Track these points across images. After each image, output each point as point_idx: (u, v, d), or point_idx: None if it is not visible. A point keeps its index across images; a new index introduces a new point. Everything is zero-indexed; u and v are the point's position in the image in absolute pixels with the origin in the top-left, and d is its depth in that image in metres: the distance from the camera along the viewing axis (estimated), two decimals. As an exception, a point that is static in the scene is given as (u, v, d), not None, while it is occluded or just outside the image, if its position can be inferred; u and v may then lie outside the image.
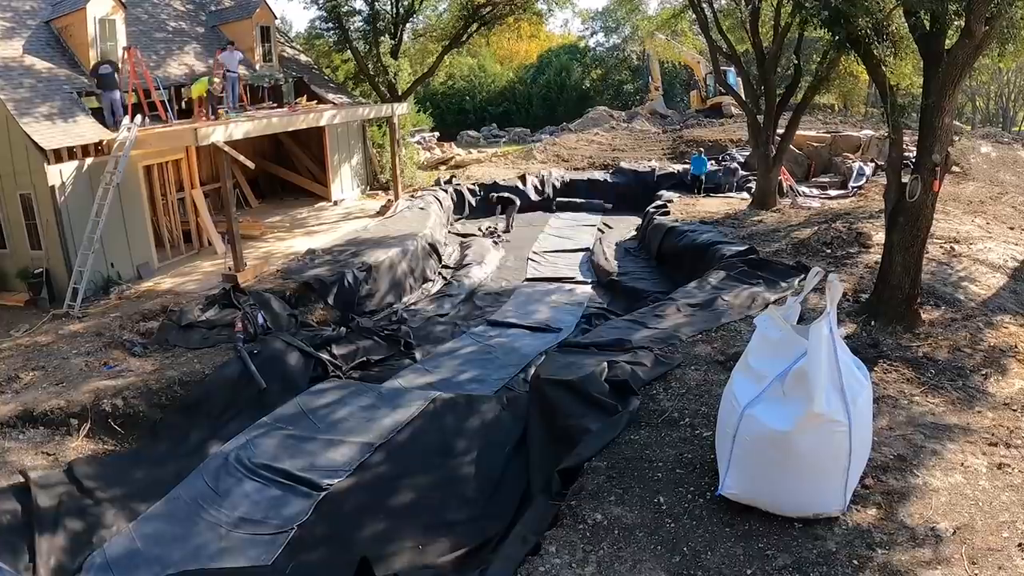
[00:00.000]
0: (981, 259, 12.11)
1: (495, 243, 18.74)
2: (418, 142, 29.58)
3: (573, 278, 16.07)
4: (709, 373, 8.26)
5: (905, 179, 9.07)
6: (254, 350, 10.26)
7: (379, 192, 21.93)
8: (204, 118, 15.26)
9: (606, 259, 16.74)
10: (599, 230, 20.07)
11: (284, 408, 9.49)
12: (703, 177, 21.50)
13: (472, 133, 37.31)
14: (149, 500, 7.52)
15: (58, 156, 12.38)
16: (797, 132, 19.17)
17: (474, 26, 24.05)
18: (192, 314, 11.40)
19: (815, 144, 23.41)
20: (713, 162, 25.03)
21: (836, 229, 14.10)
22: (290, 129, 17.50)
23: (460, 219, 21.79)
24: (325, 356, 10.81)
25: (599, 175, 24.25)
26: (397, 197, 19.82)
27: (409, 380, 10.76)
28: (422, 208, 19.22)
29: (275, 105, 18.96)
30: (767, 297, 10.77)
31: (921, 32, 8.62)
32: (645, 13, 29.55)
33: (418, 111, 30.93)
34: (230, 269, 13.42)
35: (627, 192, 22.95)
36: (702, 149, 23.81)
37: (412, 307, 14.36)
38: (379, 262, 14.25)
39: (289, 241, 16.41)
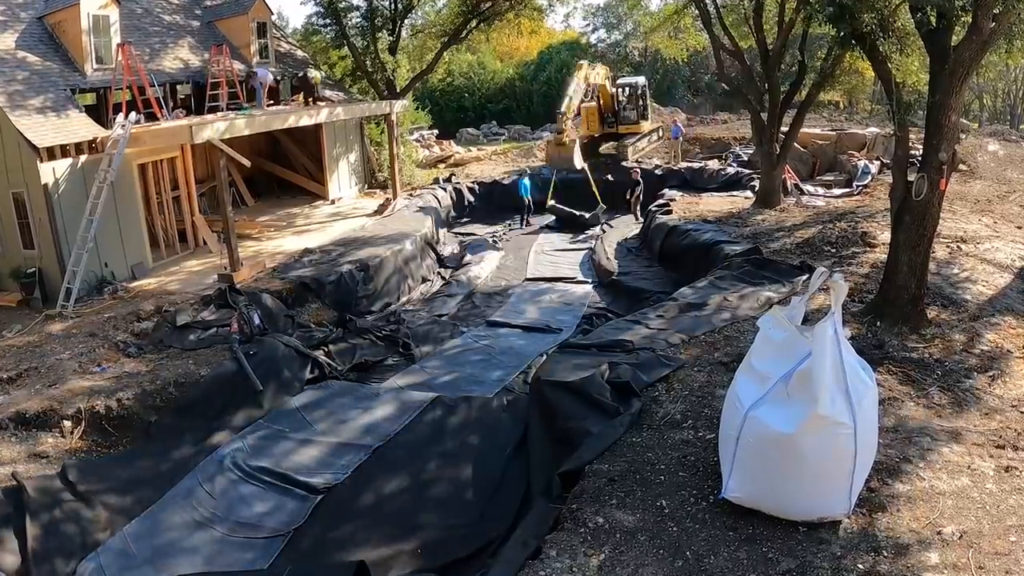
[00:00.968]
0: (988, 259, 12.11)
1: (495, 242, 18.74)
2: (417, 140, 29.58)
3: (574, 278, 16.07)
4: (712, 374, 8.25)
5: (911, 177, 9.06)
6: (250, 351, 10.26)
7: (377, 191, 21.94)
8: None
9: (607, 258, 16.74)
10: (601, 229, 20.06)
11: (280, 410, 9.49)
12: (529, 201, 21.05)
13: (472, 131, 37.31)
14: (143, 503, 7.51)
15: (51, 154, 12.38)
16: (801, 130, 19.17)
17: (474, 22, 24.04)
18: (187, 314, 11.41)
19: (820, 142, 23.41)
20: (717, 160, 25.05)
21: (841, 228, 14.11)
22: (286, 127, 17.52)
23: (460, 218, 21.79)
24: (322, 357, 10.81)
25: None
26: (395, 196, 19.82)
27: (407, 381, 10.77)
28: (421, 207, 19.22)
29: (271, 103, 18.97)
30: (771, 297, 10.76)
31: (927, 28, 8.61)
32: (647, 9, 29.60)
33: (417, 108, 30.92)
34: (226, 269, 13.42)
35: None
36: (527, 170, 22.38)
37: (410, 307, 14.36)
38: (377, 262, 14.25)
39: (286, 240, 16.41)
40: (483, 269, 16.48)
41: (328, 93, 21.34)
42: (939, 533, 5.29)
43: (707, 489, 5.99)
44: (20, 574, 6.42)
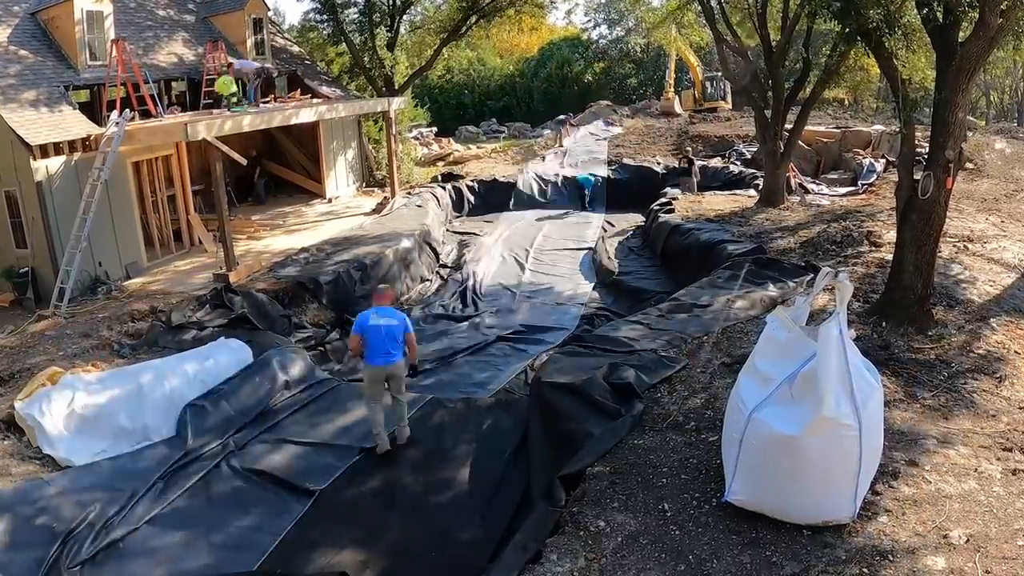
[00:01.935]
0: (995, 258, 12.10)
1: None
2: (415, 138, 29.59)
3: (574, 278, 16.07)
4: (715, 375, 8.25)
5: (917, 176, 9.05)
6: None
7: (375, 189, 21.94)
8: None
9: (608, 258, 16.74)
10: (602, 228, 20.07)
11: (276, 410, 9.47)
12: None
13: (471, 128, 37.34)
14: (137, 507, 7.49)
15: (44, 152, 12.38)
16: (806, 127, 19.15)
17: (473, 18, 24.06)
18: (182, 314, 11.41)
19: (824, 140, 23.40)
20: (720, 158, 25.06)
21: (845, 227, 14.10)
22: (283, 124, 17.51)
23: (459, 217, 21.80)
24: (318, 357, 10.80)
25: (602, 171, 24.24)
26: (394, 194, 19.82)
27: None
28: (419, 206, 19.23)
29: (268, 100, 18.97)
30: (775, 297, 10.76)
31: (934, 24, 8.60)
32: (649, 4, 29.59)
33: (415, 106, 30.95)
34: (221, 268, 13.42)
35: (630, 189, 22.96)
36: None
37: (408, 306, 14.35)
38: (375, 261, 14.25)
39: (283, 239, 16.42)
40: (482, 269, 16.48)
41: (325, 90, 21.34)
42: (945, 537, 5.29)
43: (710, 492, 5.99)
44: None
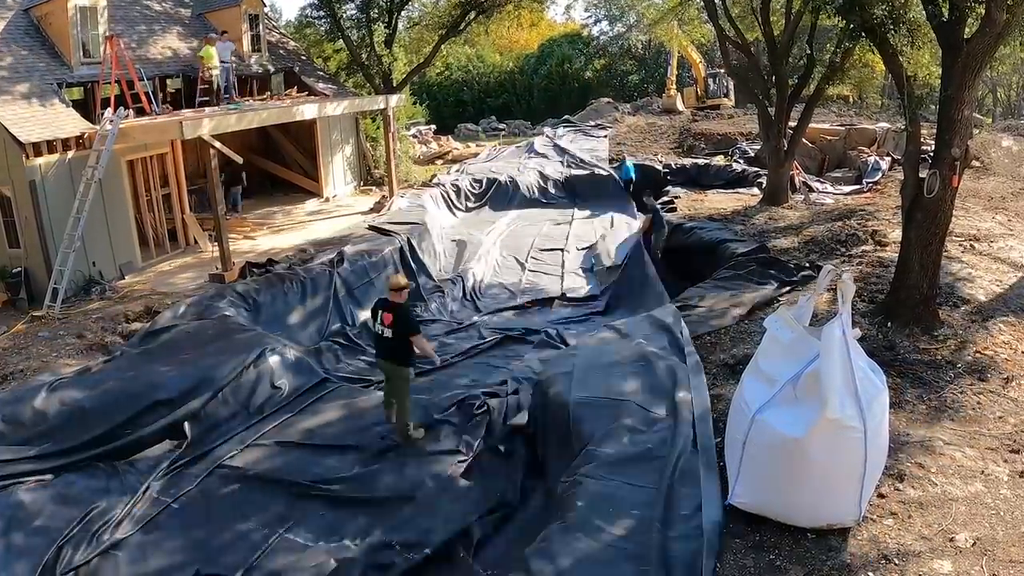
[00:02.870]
0: (1002, 257, 12.10)
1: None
2: (414, 135, 29.58)
3: (575, 275, 16.05)
4: (718, 376, 8.25)
5: (923, 174, 9.06)
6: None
7: (373, 188, 21.93)
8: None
9: (609, 257, 16.72)
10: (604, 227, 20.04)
11: (274, 411, 9.45)
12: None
13: (470, 126, 37.33)
14: (130, 512, 7.47)
15: (37, 150, 12.36)
16: (810, 125, 19.16)
17: (472, 14, 24.04)
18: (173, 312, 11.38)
19: (828, 137, 23.41)
20: (722, 156, 25.06)
21: (850, 226, 14.10)
22: (280, 122, 17.50)
23: (458, 215, 21.77)
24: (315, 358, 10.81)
25: (602, 170, 24.21)
26: (392, 193, 19.81)
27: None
28: (418, 205, 19.21)
29: (263, 97, 18.98)
30: (778, 297, 10.76)
31: (939, 20, 8.61)
32: (651, 0, 29.60)
33: (414, 103, 31.01)
34: (217, 268, 13.42)
35: (632, 187, 22.93)
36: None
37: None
38: (373, 260, 14.24)
39: (279, 238, 16.42)
40: (481, 269, 16.46)
41: (322, 86, 21.34)
42: (952, 540, 5.29)
43: (713, 495, 5.98)
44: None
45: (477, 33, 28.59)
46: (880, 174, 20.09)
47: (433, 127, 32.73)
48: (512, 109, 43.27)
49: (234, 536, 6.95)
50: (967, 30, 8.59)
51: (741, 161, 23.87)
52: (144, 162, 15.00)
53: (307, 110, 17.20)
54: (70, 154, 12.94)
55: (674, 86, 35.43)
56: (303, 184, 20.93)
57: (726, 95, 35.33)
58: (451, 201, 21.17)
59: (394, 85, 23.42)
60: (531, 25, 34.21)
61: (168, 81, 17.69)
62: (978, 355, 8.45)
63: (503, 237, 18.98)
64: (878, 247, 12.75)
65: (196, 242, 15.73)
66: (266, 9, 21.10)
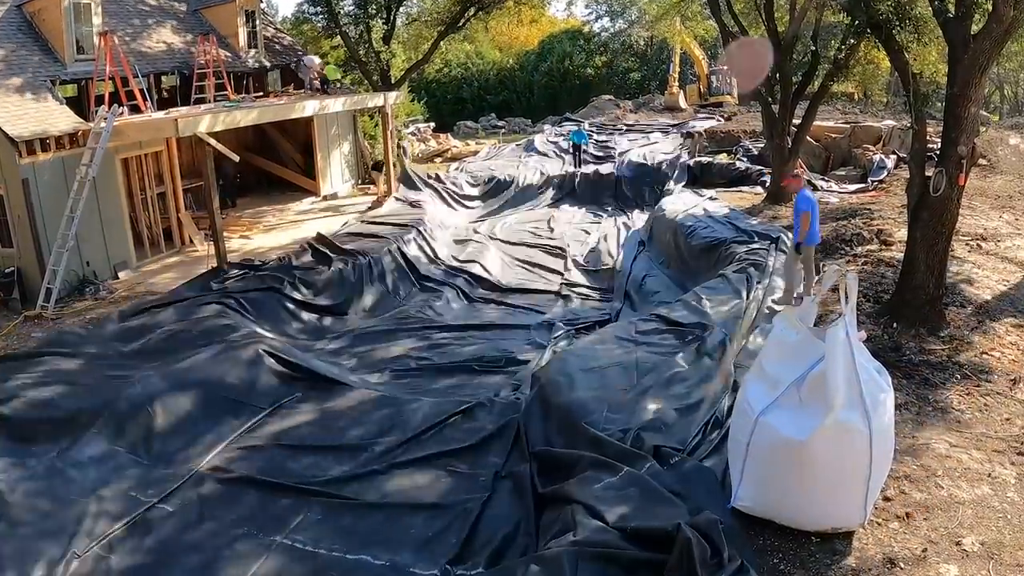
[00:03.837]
0: (1010, 257, 12.11)
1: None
2: (412, 133, 29.59)
3: (576, 277, 16.05)
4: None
5: (929, 172, 9.06)
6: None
7: (371, 186, 21.94)
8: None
9: (610, 257, 16.72)
10: (603, 225, 20.06)
11: (270, 413, 9.46)
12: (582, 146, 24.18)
13: (470, 124, 37.35)
14: (124, 516, 7.47)
15: (30, 148, 12.37)
16: (814, 123, 19.15)
17: (472, 10, 24.06)
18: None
19: (833, 135, 23.39)
20: (726, 155, 25.06)
21: (855, 225, 14.09)
22: (277, 119, 17.50)
23: (457, 213, 21.77)
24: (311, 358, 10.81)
25: (604, 167, 24.23)
26: (390, 191, 19.82)
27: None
28: (417, 203, 19.21)
29: (260, 94, 18.99)
30: (781, 297, 10.75)
31: (946, 16, 8.61)
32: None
33: (412, 100, 30.99)
34: (213, 267, 13.42)
35: (633, 185, 22.94)
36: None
37: (404, 305, 14.32)
38: (371, 259, 14.24)
39: (276, 237, 16.42)
40: (480, 268, 16.45)
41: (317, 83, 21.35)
42: (958, 544, 5.29)
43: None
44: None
45: (477, 29, 28.65)
46: (885, 172, 20.08)
47: (432, 124, 32.74)
48: (512, 107, 43.27)
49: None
50: (974, 26, 8.59)
51: (745, 159, 23.86)
52: (139, 160, 15.01)
53: (305, 107, 17.21)
54: (64, 152, 12.94)
55: (676, 83, 35.46)
56: (300, 182, 20.94)
57: (729, 92, 35.35)
58: (451, 199, 21.19)
59: (392, 82, 23.43)
60: (531, 21, 34.18)
61: (163, 78, 17.69)
62: (985, 356, 8.45)
63: (507, 234, 19.05)
64: (883, 246, 12.75)
65: (192, 241, 15.73)
66: (262, 5, 21.12)
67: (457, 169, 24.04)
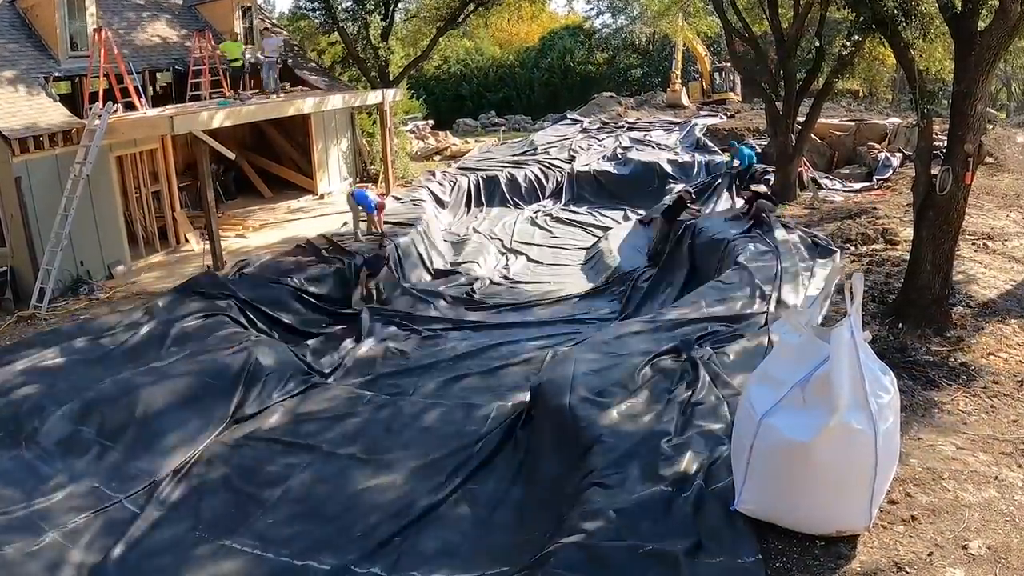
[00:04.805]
0: (1016, 256, 12.11)
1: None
2: (411, 131, 29.56)
3: (576, 276, 16.07)
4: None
5: (935, 171, 9.06)
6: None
7: (370, 184, 21.92)
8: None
9: (613, 256, 16.73)
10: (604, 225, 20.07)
11: (269, 415, 9.48)
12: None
13: (469, 121, 37.32)
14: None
15: (23, 145, 12.35)
16: (819, 120, 19.15)
17: (471, 6, 24.02)
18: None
19: (838, 133, 23.39)
20: (727, 154, 25.07)
21: (860, 224, 14.10)
22: (274, 117, 17.50)
23: (457, 211, 21.79)
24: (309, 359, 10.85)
25: (606, 166, 24.22)
26: (389, 190, 19.82)
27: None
28: (416, 202, 19.22)
29: (257, 91, 18.97)
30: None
31: (952, 12, 8.61)
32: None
33: (411, 97, 30.91)
34: (208, 268, 13.43)
35: (636, 184, 22.94)
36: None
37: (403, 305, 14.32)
38: (370, 259, 14.24)
39: (273, 236, 16.42)
40: (480, 268, 16.47)
41: (314, 78, 21.35)
42: (965, 547, 5.29)
43: (718, 501, 5.97)
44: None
45: (476, 26, 28.60)
46: (891, 171, 20.08)
47: (431, 122, 32.70)
48: (512, 104, 43.21)
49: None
50: (981, 23, 8.58)
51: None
52: (134, 158, 15.00)
53: (302, 105, 17.21)
54: (57, 150, 12.93)
55: (679, 80, 35.44)
56: (297, 180, 20.93)
57: (732, 89, 35.33)
58: (450, 197, 21.20)
59: (391, 79, 23.40)
60: (532, 17, 34.16)
61: (158, 75, 17.69)
62: (991, 357, 8.45)
63: (507, 233, 19.06)
64: (889, 246, 12.75)
65: (187, 240, 15.72)
66: (259, 0, 21.11)
67: (456, 167, 24.03)
